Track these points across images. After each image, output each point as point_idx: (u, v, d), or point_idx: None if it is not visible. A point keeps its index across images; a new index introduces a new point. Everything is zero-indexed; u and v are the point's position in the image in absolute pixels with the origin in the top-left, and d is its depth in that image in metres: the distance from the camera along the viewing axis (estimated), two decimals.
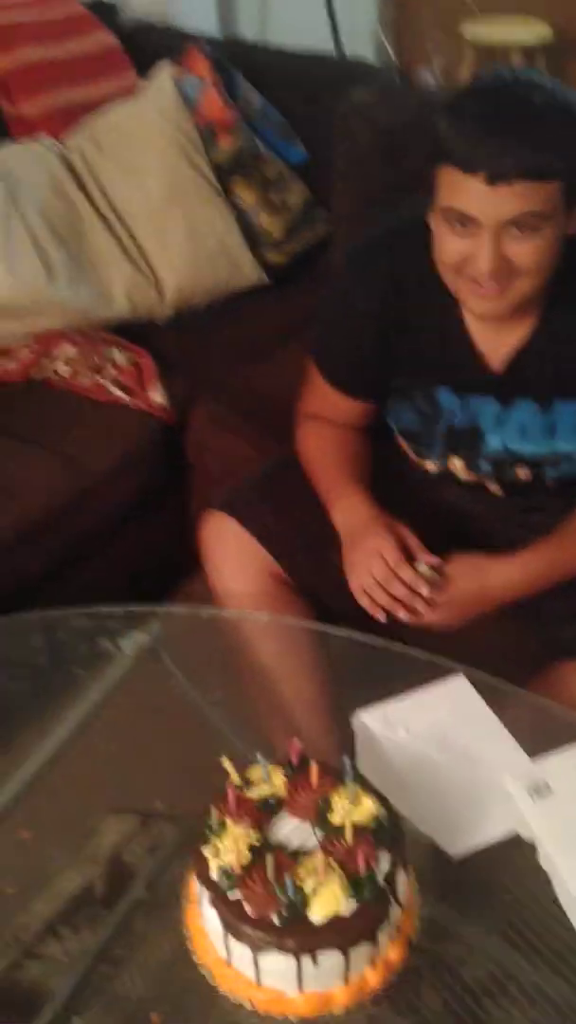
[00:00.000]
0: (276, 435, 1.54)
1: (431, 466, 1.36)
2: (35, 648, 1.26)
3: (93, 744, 1.18)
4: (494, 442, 1.27)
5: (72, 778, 1.15)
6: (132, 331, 1.90)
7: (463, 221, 1.04)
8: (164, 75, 1.96)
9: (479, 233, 1.04)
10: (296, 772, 0.90)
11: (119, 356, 1.82)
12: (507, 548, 1.26)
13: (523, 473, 1.29)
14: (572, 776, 0.98)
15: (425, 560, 1.21)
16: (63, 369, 1.79)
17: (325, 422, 1.38)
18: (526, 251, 1.05)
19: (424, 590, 1.19)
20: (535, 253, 1.06)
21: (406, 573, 1.19)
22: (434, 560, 1.22)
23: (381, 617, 1.21)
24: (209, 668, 1.24)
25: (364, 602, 1.22)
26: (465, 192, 1.02)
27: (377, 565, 1.20)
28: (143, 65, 2.08)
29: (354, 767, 0.89)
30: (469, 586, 1.22)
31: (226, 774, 0.89)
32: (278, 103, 2.05)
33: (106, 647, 1.23)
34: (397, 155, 1.69)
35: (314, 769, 0.89)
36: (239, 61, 2.06)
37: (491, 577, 1.23)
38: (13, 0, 2.07)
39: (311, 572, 1.34)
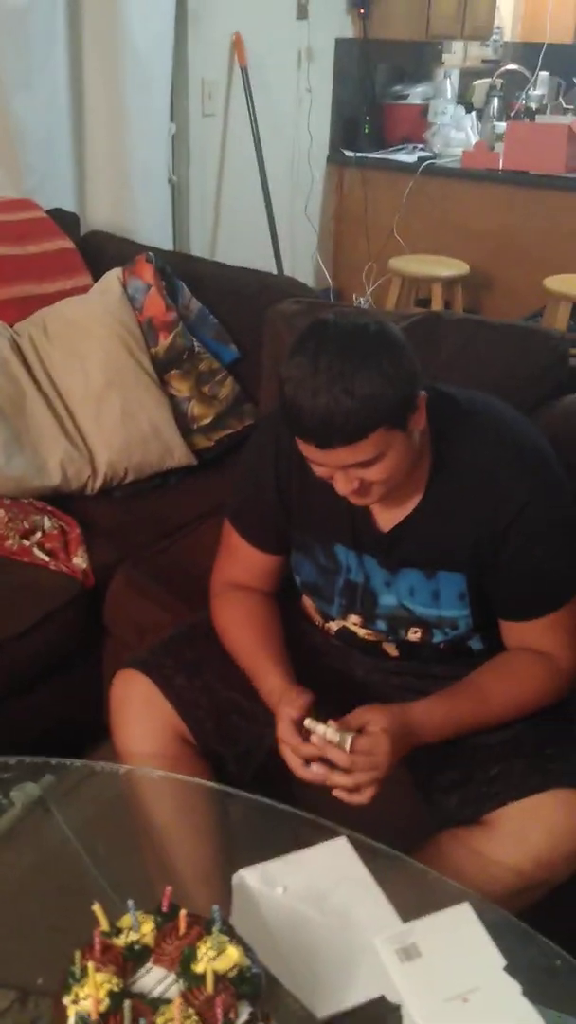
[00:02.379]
0: (191, 602, 1.61)
1: (333, 625, 1.42)
2: None
3: None
4: (388, 599, 1.34)
5: None
6: (62, 497, 2.00)
7: (311, 461, 1.19)
8: (113, 277, 2.17)
9: (328, 468, 1.18)
10: (166, 920, 0.91)
11: (46, 522, 1.90)
12: None
13: (415, 635, 1.36)
14: (441, 940, 0.99)
15: (331, 725, 1.23)
16: None
17: (239, 594, 1.45)
18: (375, 473, 1.17)
19: (332, 753, 1.19)
20: (385, 471, 1.18)
21: (307, 749, 1.21)
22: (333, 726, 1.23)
23: (308, 776, 1.22)
24: (100, 823, 1.24)
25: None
26: (306, 449, 1.17)
27: (285, 752, 1.23)
28: (99, 269, 2.30)
29: (224, 917, 0.90)
30: (392, 727, 1.21)
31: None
32: (217, 308, 2.26)
33: None
34: None
35: (182, 917, 0.90)
36: (184, 271, 2.29)
37: (413, 712, 1.24)
38: None
39: (215, 736, 1.37)
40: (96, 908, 0.90)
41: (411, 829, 1.30)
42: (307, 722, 1.21)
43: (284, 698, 1.26)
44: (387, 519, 1.31)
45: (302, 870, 1.09)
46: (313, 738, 1.20)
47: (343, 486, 1.18)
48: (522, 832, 1.21)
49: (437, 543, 1.29)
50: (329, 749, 1.19)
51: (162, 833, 1.30)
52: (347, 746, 1.18)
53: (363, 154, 4.16)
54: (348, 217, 4.26)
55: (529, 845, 1.20)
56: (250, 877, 1.07)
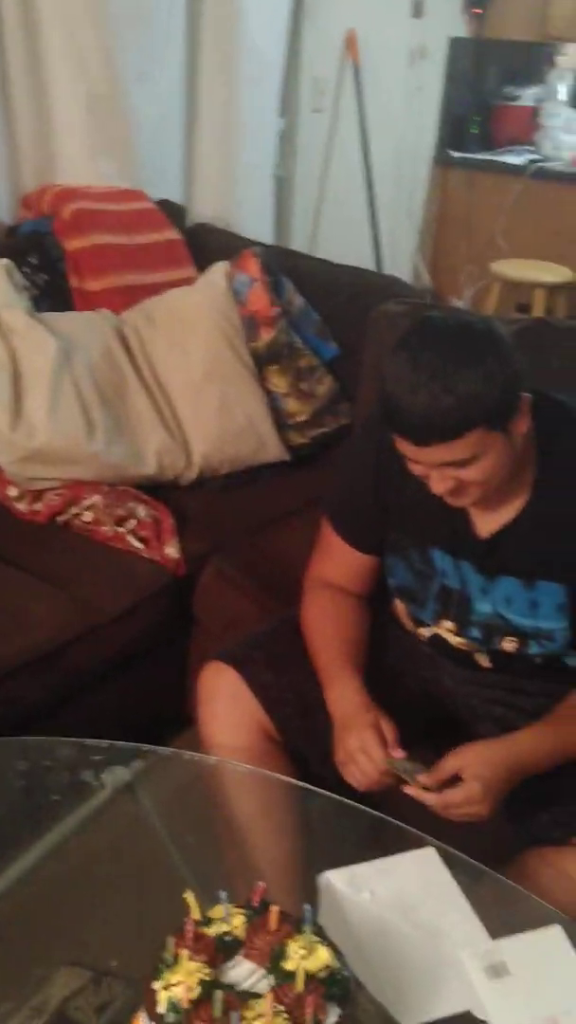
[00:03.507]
0: (280, 597, 1.61)
1: (424, 632, 1.41)
2: (19, 772, 1.28)
3: (57, 885, 1.17)
4: (484, 607, 1.32)
5: (30, 922, 1.13)
6: (157, 487, 2.02)
7: (408, 459, 1.17)
8: (218, 270, 2.18)
9: (424, 466, 1.17)
10: (256, 915, 0.91)
11: (141, 510, 1.92)
12: (496, 731, 1.29)
13: (510, 645, 1.33)
14: (530, 960, 0.97)
15: (396, 755, 1.21)
16: (87, 516, 1.89)
17: (330, 592, 1.44)
18: (472, 474, 1.15)
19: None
20: (482, 473, 1.15)
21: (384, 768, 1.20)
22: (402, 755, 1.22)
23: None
24: (184, 811, 1.25)
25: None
26: (403, 445, 1.16)
27: (362, 761, 1.22)
28: (203, 261, 2.32)
29: (314, 917, 0.90)
30: (489, 773, 1.18)
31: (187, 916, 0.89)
32: (319, 305, 2.26)
33: (87, 779, 1.25)
34: None
35: (274, 913, 0.90)
36: (288, 266, 2.29)
37: (521, 748, 1.21)
38: (93, 192, 2.35)
39: (300, 734, 1.36)
40: (188, 896, 0.91)
41: (496, 846, 1.27)
42: (386, 761, 1.20)
43: (360, 717, 1.24)
44: (486, 524, 1.29)
45: (390, 877, 1.08)
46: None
47: (438, 485, 1.17)
48: None
49: (538, 552, 1.26)
50: (420, 793, 1.17)
51: (244, 826, 1.30)
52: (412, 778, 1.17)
53: (470, 155, 4.10)
54: (451, 218, 4.21)
55: None
56: (337, 879, 1.07)
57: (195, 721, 1.41)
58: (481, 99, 4.19)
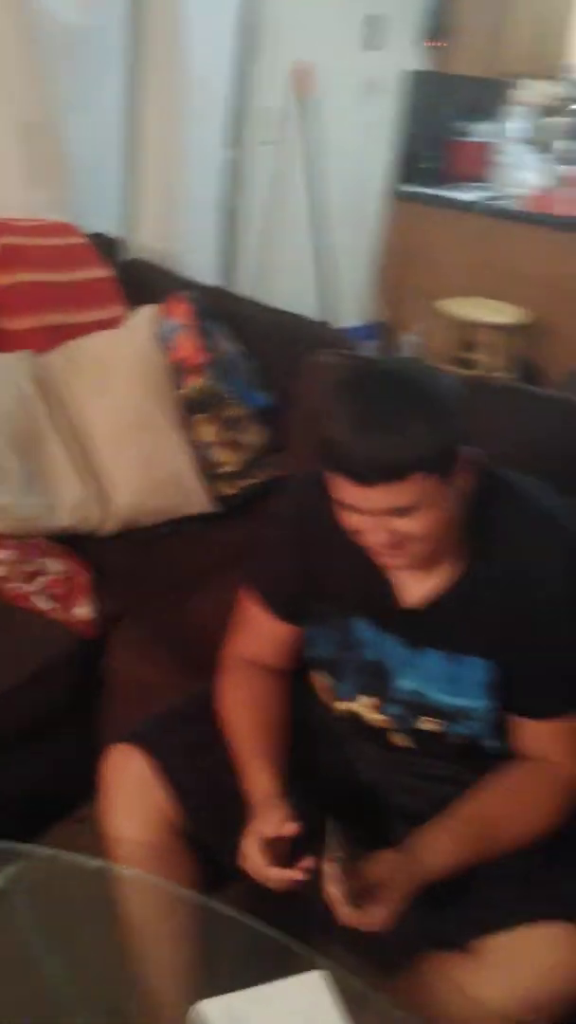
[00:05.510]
0: (194, 668, 1.52)
1: (341, 707, 1.34)
2: None
3: None
4: (405, 683, 1.26)
5: None
6: (74, 537, 1.93)
7: (349, 508, 1.12)
8: (145, 314, 2.11)
9: (364, 515, 1.11)
10: None
11: (53, 566, 1.83)
12: (402, 823, 1.23)
13: (429, 724, 1.27)
14: None
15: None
16: None
17: (248, 673, 1.37)
18: (411, 525, 1.10)
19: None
20: (421, 526, 1.11)
21: (272, 873, 1.13)
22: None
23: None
24: (64, 921, 1.16)
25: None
26: (342, 489, 1.10)
27: (251, 858, 1.15)
28: (137, 298, 2.24)
29: None
30: (397, 879, 1.13)
31: None
32: (254, 351, 2.19)
33: None
34: None
35: None
36: (223, 310, 2.22)
37: (423, 859, 1.16)
38: (21, 226, 2.26)
39: (212, 827, 1.29)
40: None
41: (404, 943, 1.20)
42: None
43: (263, 813, 1.17)
44: (412, 593, 1.24)
45: (270, 1006, 1.00)
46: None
47: (373, 536, 1.11)
48: (509, 967, 1.12)
49: (466, 626, 1.22)
50: (339, 906, 1.09)
51: (135, 935, 1.21)
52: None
53: (423, 190, 4.08)
54: (402, 253, 4.18)
55: (516, 982, 1.11)
56: (212, 1011, 0.98)
57: (96, 806, 1.31)
58: (435, 134, 4.17)
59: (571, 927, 1.12)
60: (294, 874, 1.11)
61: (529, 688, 1.22)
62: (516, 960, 1.12)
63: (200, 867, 1.28)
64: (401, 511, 1.09)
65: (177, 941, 1.23)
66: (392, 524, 1.10)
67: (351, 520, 1.13)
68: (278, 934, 1.11)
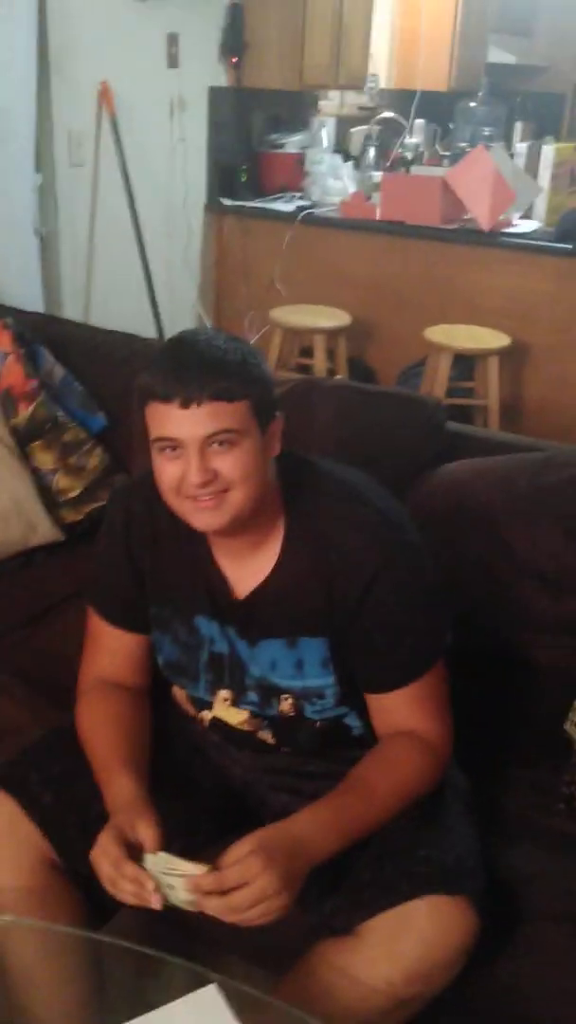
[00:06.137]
0: (54, 701, 1.48)
1: (206, 715, 1.34)
2: None
3: None
4: (254, 670, 1.28)
5: None
6: None
7: (172, 446, 1.13)
8: None
9: (185, 453, 1.12)
10: None
11: None
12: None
13: (286, 704, 1.28)
14: None
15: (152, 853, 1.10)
16: None
17: (103, 694, 1.34)
18: (229, 463, 1.13)
19: (150, 885, 1.07)
20: (238, 464, 1.13)
21: (127, 870, 1.09)
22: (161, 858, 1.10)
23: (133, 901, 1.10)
24: None
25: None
26: (167, 419, 1.11)
27: (104, 868, 1.11)
28: None
29: None
30: (262, 845, 1.08)
31: None
32: (84, 374, 2.15)
33: None
34: None
35: None
36: (48, 334, 2.16)
37: (296, 823, 1.13)
38: None
39: (84, 856, 1.21)
40: None
41: (293, 939, 1.20)
42: (148, 859, 1.08)
43: (125, 812, 1.13)
44: (242, 584, 1.25)
45: None
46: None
47: (195, 473, 1.12)
48: (393, 944, 1.13)
49: (294, 609, 1.24)
50: (201, 901, 1.05)
51: (21, 983, 1.16)
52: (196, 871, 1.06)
53: (241, 203, 4.13)
54: (228, 266, 4.22)
55: (399, 957, 1.12)
56: None
57: None
58: (247, 147, 4.23)
59: (449, 898, 1.14)
60: (153, 898, 1.07)
61: (369, 662, 1.25)
62: (398, 936, 1.13)
63: (84, 901, 1.24)
64: (223, 440, 1.11)
65: (64, 982, 1.19)
66: (212, 462, 1.12)
67: (174, 468, 1.13)
68: (167, 956, 1.09)
